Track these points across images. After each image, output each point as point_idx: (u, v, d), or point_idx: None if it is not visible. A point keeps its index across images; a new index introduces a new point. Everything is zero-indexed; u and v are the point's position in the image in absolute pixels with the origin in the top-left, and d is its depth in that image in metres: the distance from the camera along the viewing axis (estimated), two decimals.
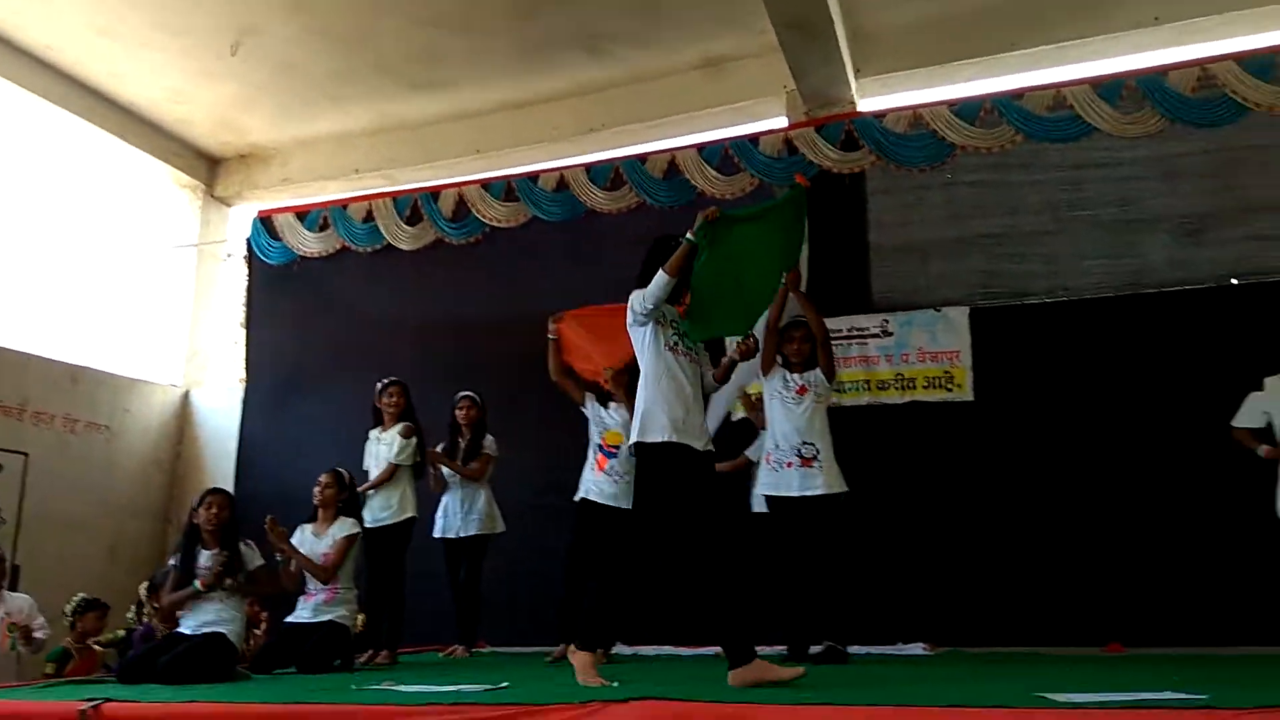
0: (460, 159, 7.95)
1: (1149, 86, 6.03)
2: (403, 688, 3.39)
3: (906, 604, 5.49)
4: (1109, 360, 5.63)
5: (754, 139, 6.90)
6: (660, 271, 3.46)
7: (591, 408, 5.07)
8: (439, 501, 5.64)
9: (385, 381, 5.61)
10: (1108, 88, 6.13)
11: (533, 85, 7.48)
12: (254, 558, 4.48)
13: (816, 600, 4.45)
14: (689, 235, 3.53)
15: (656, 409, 3.45)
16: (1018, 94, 6.33)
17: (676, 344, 3.57)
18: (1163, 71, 6.07)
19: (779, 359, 4.72)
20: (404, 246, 7.70)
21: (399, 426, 5.42)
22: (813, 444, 4.53)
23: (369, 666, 4.96)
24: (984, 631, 5.25)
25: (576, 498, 4.99)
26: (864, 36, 6.69)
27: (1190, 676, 3.26)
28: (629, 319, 3.59)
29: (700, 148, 7.02)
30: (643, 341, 3.57)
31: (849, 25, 6.43)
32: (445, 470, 5.57)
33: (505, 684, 3.39)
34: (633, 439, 3.51)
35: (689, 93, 7.28)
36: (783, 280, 4.28)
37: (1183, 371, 5.48)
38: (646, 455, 3.43)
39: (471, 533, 5.50)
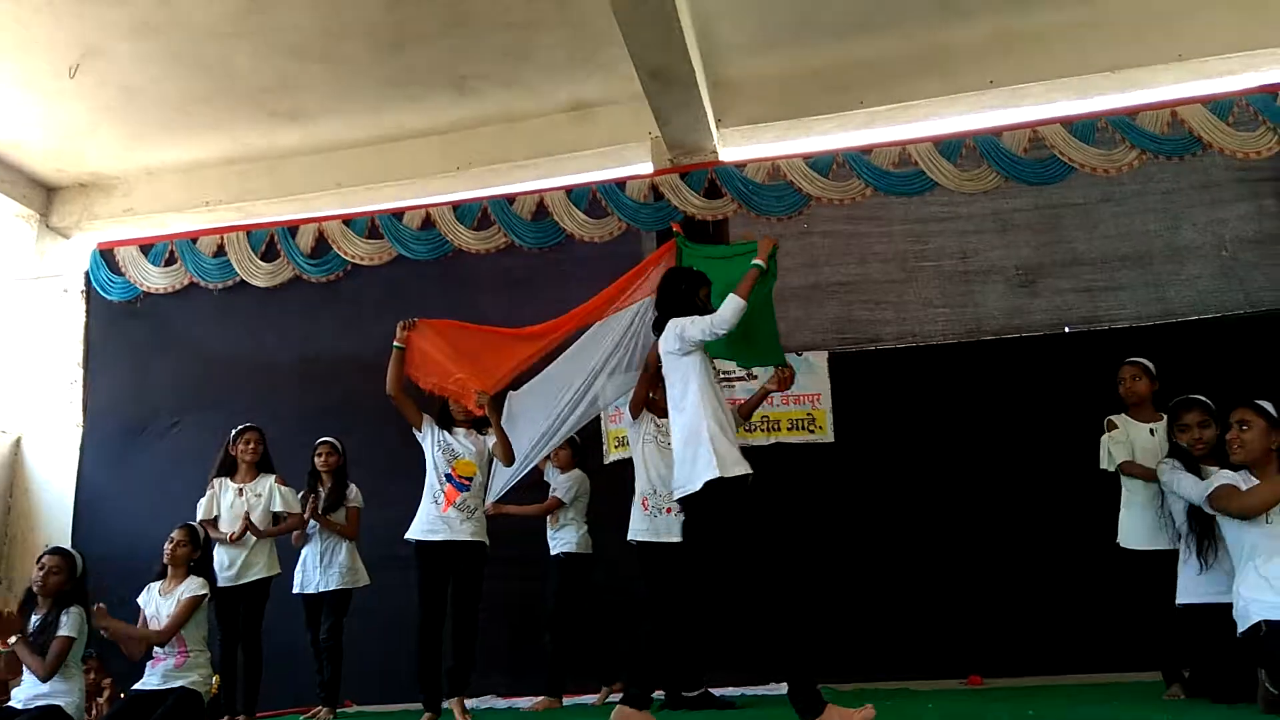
0: (320, 194, 7.72)
1: (986, 146, 6.48)
2: None
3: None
4: (955, 403, 5.99)
5: (621, 183, 7.02)
6: (733, 296, 3.49)
7: (433, 433, 4.57)
8: (297, 556, 5.42)
9: (241, 428, 5.38)
10: (948, 146, 6.56)
11: (398, 120, 7.37)
12: (66, 626, 4.18)
13: (694, 644, 4.49)
14: (758, 262, 3.74)
15: (726, 442, 3.36)
16: (867, 149, 6.68)
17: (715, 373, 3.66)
18: (998, 133, 6.54)
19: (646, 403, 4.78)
20: (258, 283, 7.40)
21: (273, 478, 5.20)
22: None
23: None
24: (850, 667, 5.43)
25: (411, 537, 4.48)
26: (725, 87, 6.93)
27: (1044, 710, 3.46)
28: (675, 346, 3.51)
29: (569, 190, 7.08)
30: (689, 371, 3.51)
31: (710, 75, 6.65)
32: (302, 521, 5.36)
33: None
34: (704, 477, 3.31)
35: (557, 135, 7.34)
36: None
37: (1022, 414, 5.85)
38: (728, 491, 3.28)
39: (332, 587, 5.31)
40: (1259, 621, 3.20)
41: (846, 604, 5.71)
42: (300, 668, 5.39)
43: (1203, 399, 4.10)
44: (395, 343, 4.60)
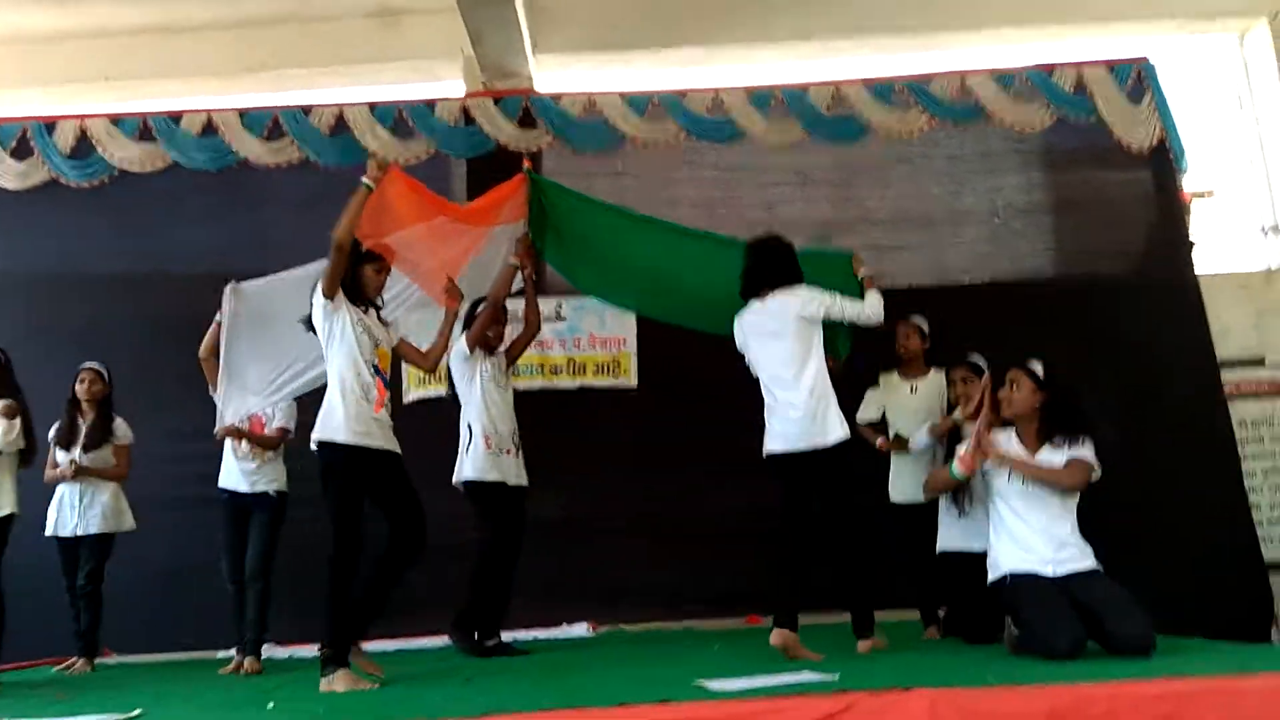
0: (84, 84, 6.92)
1: (792, 100, 6.62)
2: None
3: (571, 585, 5.71)
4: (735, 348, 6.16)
5: (430, 104, 6.65)
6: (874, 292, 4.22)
7: (347, 307, 3.72)
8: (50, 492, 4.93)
9: None
10: (759, 96, 6.64)
11: (180, 9, 6.66)
12: None
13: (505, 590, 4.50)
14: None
15: (832, 404, 3.89)
16: (682, 93, 6.67)
17: None
18: (804, 88, 6.69)
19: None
20: (8, 184, 6.50)
21: (1, 405, 4.62)
22: (518, 432, 4.59)
23: None
24: (642, 608, 5.62)
25: (334, 440, 3.60)
26: (543, 11, 6.71)
27: (817, 649, 3.68)
28: (814, 312, 3.92)
29: (373, 106, 6.64)
30: (815, 337, 3.94)
31: None
32: (61, 458, 4.87)
33: (138, 711, 3.07)
34: (837, 435, 3.83)
35: (360, 42, 6.90)
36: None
37: None
38: (838, 453, 3.83)
39: (93, 531, 4.88)
40: (1005, 574, 3.55)
41: (637, 547, 5.86)
42: (54, 615, 4.94)
43: (973, 359, 4.45)
44: (365, 180, 3.84)
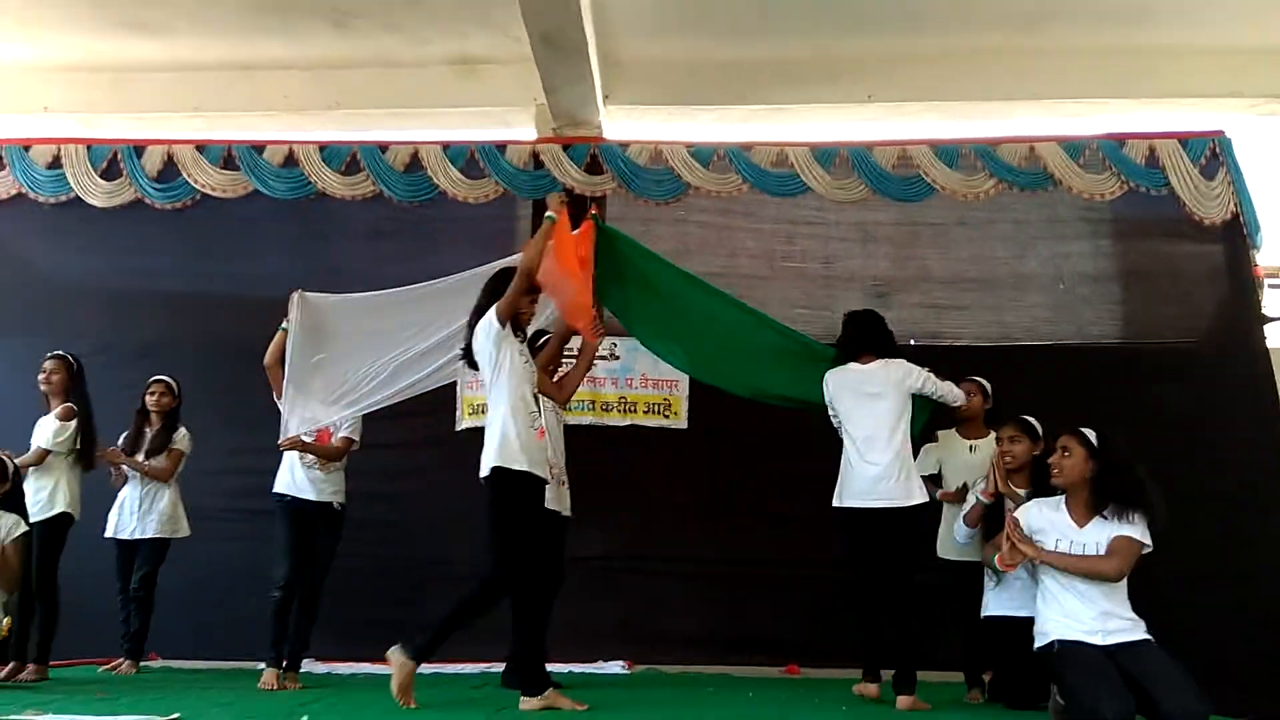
0: (173, 114, 7.19)
1: (857, 158, 6.67)
2: (51, 718, 3.02)
3: (609, 622, 5.69)
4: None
5: (501, 146, 6.86)
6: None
7: (514, 341, 3.82)
8: (113, 496, 5.09)
9: (46, 356, 5.02)
10: (824, 153, 6.71)
11: (266, 48, 6.93)
12: None
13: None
14: None
15: (914, 468, 4.20)
16: (748, 146, 6.76)
17: None
18: (870, 146, 6.74)
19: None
20: (96, 202, 6.82)
21: (60, 408, 4.83)
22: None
23: (12, 684, 4.37)
24: (679, 650, 5.57)
25: (508, 465, 3.65)
26: (615, 64, 6.87)
27: (855, 705, 3.61)
28: (917, 384, 4.33)
29: (446, 145, 6.86)
30: (905, 410, 4.27)
31: (603, 50, 6.57)
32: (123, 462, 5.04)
33: (176, 716, 3.13)
34: (918, 499, 4.10)
35: (437, 88, 7.10)
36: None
37: None
38: (916, 514, 4.10)
39: (149, 535, 5.03)
40: (1053, 640, 3.44)
41: (676, 587, 5.84)
42: (103, 616, 5.07)
43: (1027, 419, 4.38)
44: (550, 213, 4.04)
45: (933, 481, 4.75)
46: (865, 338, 4.44)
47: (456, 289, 4.61)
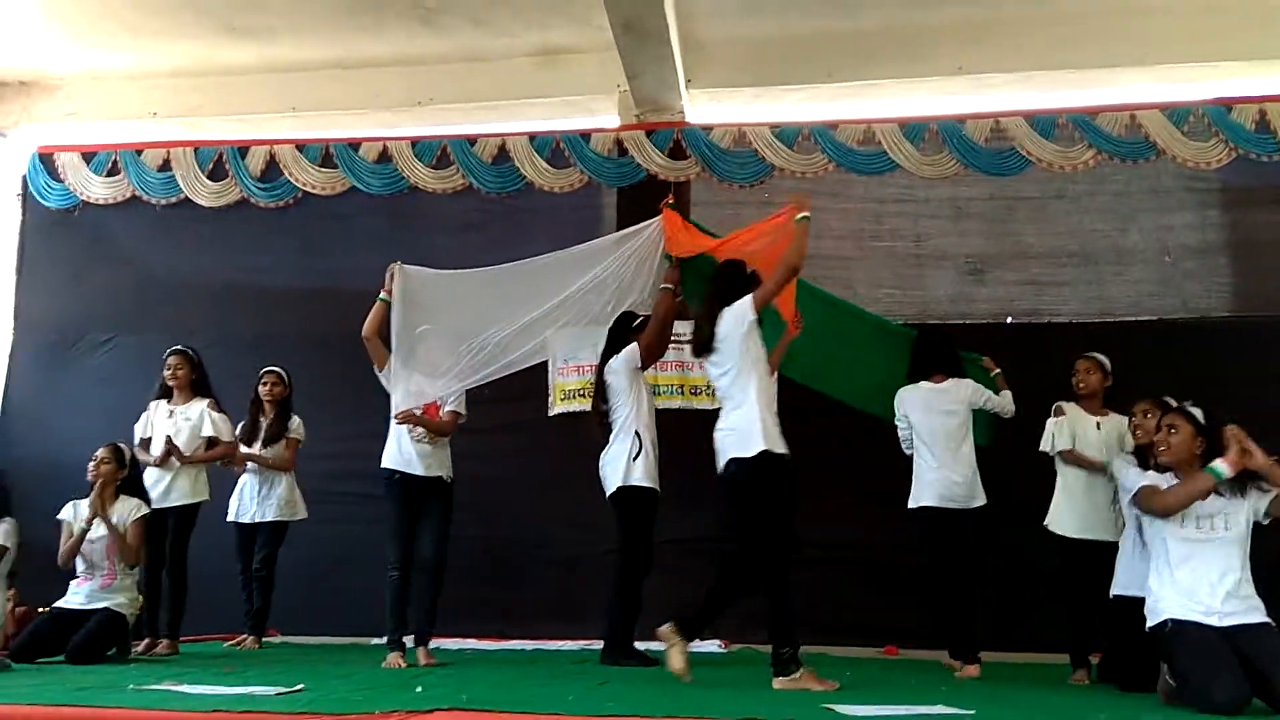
0: (273, 115, 7.45)
1: (948, 132, 6.54)
2: (186, 689, 3.23)
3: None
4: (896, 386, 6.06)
5: (585, 135, 6.94)
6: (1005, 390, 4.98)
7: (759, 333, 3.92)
8: (235, 482, 5.36)
9: (168, 351, 5.30)
10: (912, 129, 6.60)
11: (359, 47, 7.14)
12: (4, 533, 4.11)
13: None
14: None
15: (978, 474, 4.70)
16: (833, 124, 6.70)
17: None
18: (961, 120, 6.60)
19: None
20: (204, 202, 7.18)
21: (206, 402, 5.11)
22: None
23: (147, 658, 4.67)
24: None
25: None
26: (697, 48, 6.86)
27: (955, 686, 3.61)
28: (966, 408, 4.74)
29: (532, 136, 6.98)
30: (970, 425, 4.78)
31: (684, 34, 6.56)
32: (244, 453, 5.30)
33: (300, 686, 3.30)
34: (964, 503, 4.59)
35: (522, 79, 7.19)
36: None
37: None
38: (982, 514, 4.60)
39: (269, 518, 5.29)
40: (1166, 619, 3.36)
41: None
42: (227, 594, 5.35)
43: (1165, 399, 4.17)
44: (804, 214, 3.98)
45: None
46: (938, 358, 4.85)
47: (552, 268, 4.76)
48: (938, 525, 4.62)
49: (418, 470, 4.54)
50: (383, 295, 4.62)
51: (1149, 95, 6.53)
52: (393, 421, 4.57)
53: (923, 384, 4.78)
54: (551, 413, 6.35)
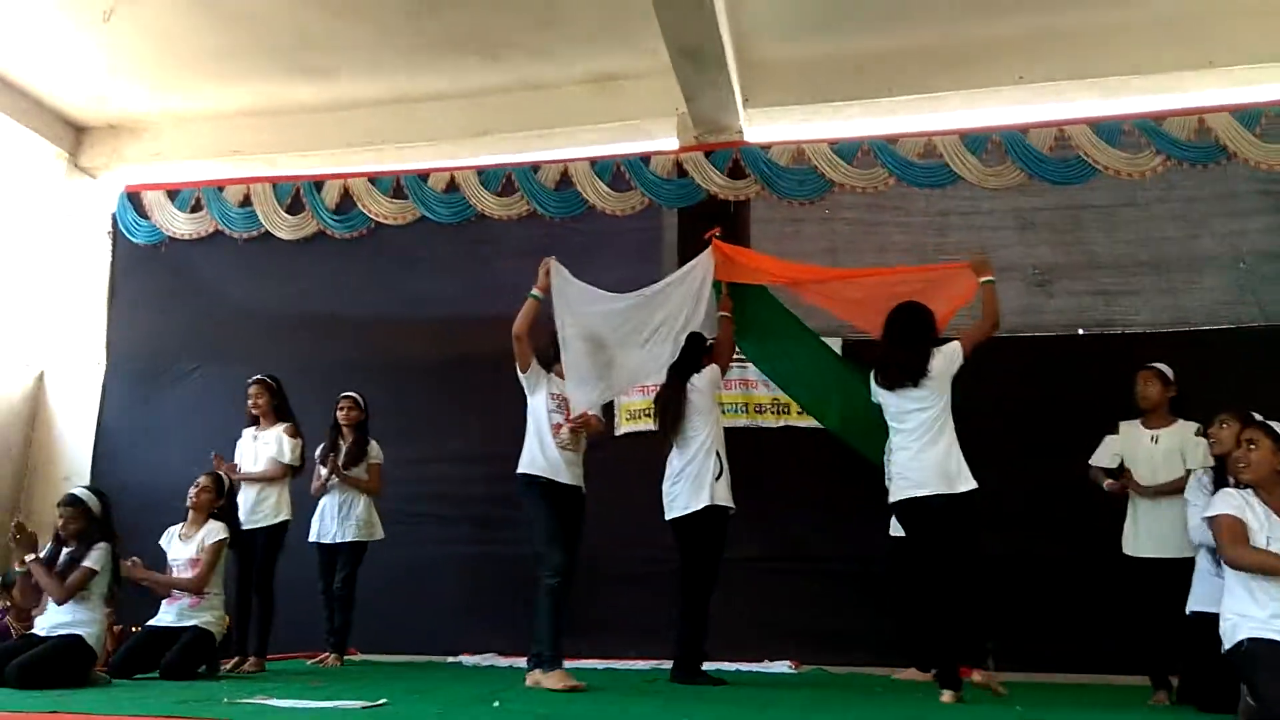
0: (346, 150, 7.75)
1: (1011, 142, 6.50)
2: (277, 702, 3.39)
3: (772, 623, 5.77)
4: (964, 399, 5.94)
5: (645, 158, 7.07)
6: None
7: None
8: (314, 505, 5.56)
9: (249, 380, 5.51)
10: (974, 140, 6.57)
11: (425, 82, 7.39)
12: (92, 559, 4.31)
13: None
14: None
15: None
16: (893, 139, 6.70)
17: None
18: (1024, 129, 6.55)
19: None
20: (283, 235, 7.49)
21: (283, 427, 5.33)
22: None
23: (236, 674, 4.87)
24: (844, 652, 5.59)
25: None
26: (754, 68, 6.92)
27: (1030, 708, 3.58)
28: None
29: (593, 161, 7.13)
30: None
31: (740, 55, 6.65)
32: (323, 473, 5.50)
33: (383, 701, 3.44)
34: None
35: (582, 106, 7.35)
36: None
37: (1032, 414, 5.89)
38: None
39: (349, 539, 5.47)
40: (1243, 639, 3.28)
41: (845, 589, 5.84)
42: (308, 614, 5.54)
43: (1248, 411, 4.08)
44: (987, 278, 4.47)
45: (1110, 475, 4.60)
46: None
47: (664, 294, 4.87)
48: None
49: (564, 479, 4.35)
50: (535, 292, 4.43)
51: (1217, 98, 6.40)
52: (531, 426, 4.39)
53: None
54: (618, 432, 6.46)
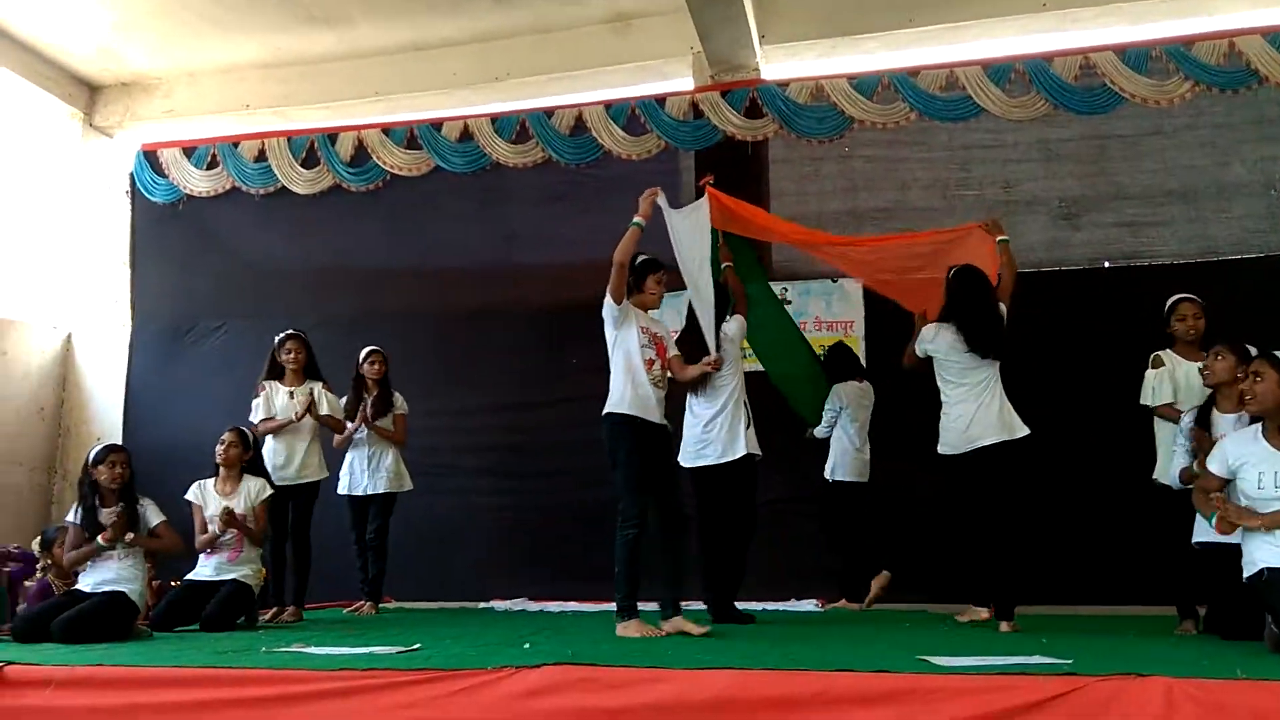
0: (359, 100, 7.70)
1: (1035, 71, 6.35)
2: (314, 650, 3.46)
3: (800, 564, 5.83)
4: None
5: (660, 100, 6.96)
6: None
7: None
8: (342, 457, 5.63)
9: (285, 335, 5.49)
10: (997, 70, 6.42)
11: (435, 28, 7.30)
12: (154, 515, 4.43)
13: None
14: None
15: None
16: (914, 71, 6.56)
17: None
18: (1048, 58, 6.40)
19: None
20: (299, 190, 7.48)
21: (320, 384, 5.36)
22: None
23: (275, 624, 4.98)
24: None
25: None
26: (770, 2, 6.78)
27: (1057, 638, 3.61)
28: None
29: (607, 105, 7.03)
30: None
31: None
32: (350, 426, 5.55)
33: (418, 645, 3.51)
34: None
35: (595, 47, 7.25)
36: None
37: (1058, 347, 5.83)
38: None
39: (380, 490, 5.54)
40: (1263, 568, 3.28)
41: (866, 529, 5.84)
42: (343, 565, 5.65)
43: (1242, 344, 4.07)
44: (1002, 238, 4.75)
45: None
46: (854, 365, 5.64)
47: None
48: (848, 493, 5.53)
49: (654, 418, 4.05)
50: (637, 220, 4.12)
51: (1248, 20, 6.20)
52: (620, 363, 4.08)
53: (851, 382, 5.65)
54: None
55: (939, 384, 4.49)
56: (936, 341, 4.44)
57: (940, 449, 4.45)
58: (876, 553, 5.47)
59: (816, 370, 5.75)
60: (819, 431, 5.70)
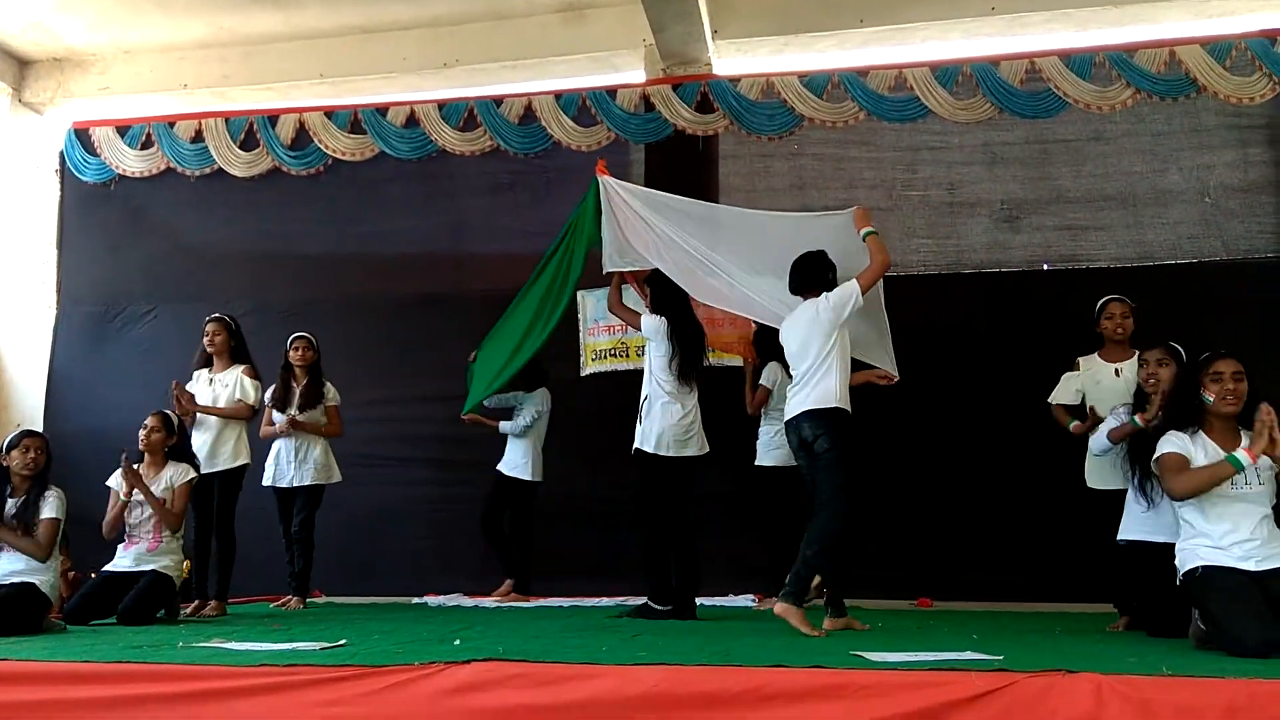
0: (301, 83, 7.51)
1: (982, 74, 6.40)
2: (233, 645, 3.34)
3: (740, 559, 5.78)
4: (932, 335, 5.92)
5: (611, 91, 6.90)
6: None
7: None
8: (266, 447, 5.48)
9: (207, 319, 5.38)
10: (945, 72, 6.47)
11: (383, 10, 7.14)
12: (49, 509, 4.20)
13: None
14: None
15: None
16: (863, 71, 6.58)
17: None
18: (995, 61, 6.46)
19: None
20: (236, 173, 7.26)
21: (242, 368, 5.21)
22: None
23: (196, 619, 4.83)
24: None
25: None
26: None
27: (988, 634, 3.63)
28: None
29: (558, 95, 6.95)
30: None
31: None
32: (278, 418, 5.40)
33: (343, 641, 3.41)
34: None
35: (547, 36, 7.15)
36: None
37: (996, 348, 5.95)
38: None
39: (306, 482, 5.39)
40: (1197, 565, 3.31)
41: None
42: (271, 557, 5.49)
43: (1172, 345, 4.17)
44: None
45: (1071, 412, 4.63)
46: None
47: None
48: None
49: None
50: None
51: (1188, 30, 6.34)
52: (836, 362, 4.12)
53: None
54: (583, 373, 6.40)
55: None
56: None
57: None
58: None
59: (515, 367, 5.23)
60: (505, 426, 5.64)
